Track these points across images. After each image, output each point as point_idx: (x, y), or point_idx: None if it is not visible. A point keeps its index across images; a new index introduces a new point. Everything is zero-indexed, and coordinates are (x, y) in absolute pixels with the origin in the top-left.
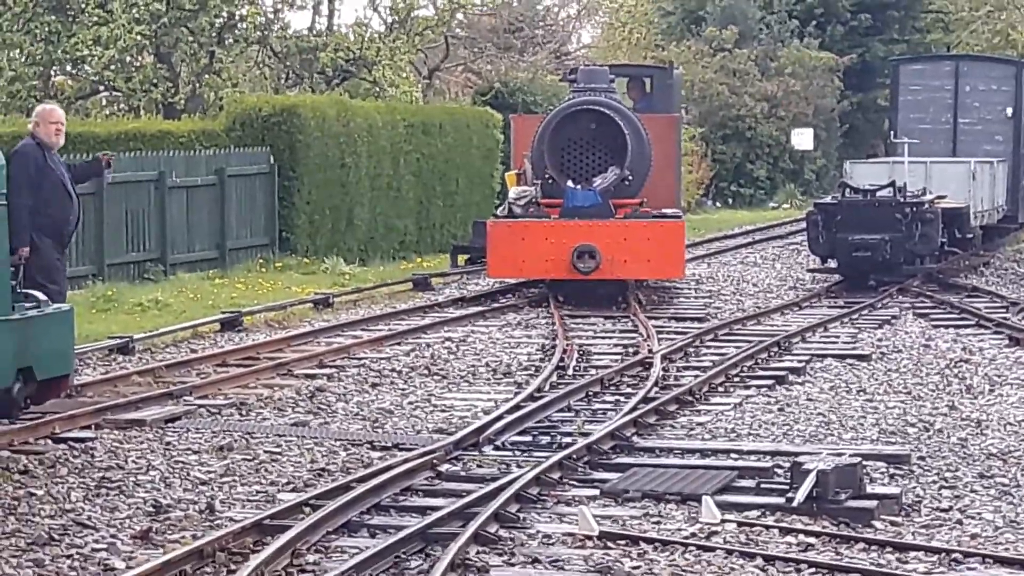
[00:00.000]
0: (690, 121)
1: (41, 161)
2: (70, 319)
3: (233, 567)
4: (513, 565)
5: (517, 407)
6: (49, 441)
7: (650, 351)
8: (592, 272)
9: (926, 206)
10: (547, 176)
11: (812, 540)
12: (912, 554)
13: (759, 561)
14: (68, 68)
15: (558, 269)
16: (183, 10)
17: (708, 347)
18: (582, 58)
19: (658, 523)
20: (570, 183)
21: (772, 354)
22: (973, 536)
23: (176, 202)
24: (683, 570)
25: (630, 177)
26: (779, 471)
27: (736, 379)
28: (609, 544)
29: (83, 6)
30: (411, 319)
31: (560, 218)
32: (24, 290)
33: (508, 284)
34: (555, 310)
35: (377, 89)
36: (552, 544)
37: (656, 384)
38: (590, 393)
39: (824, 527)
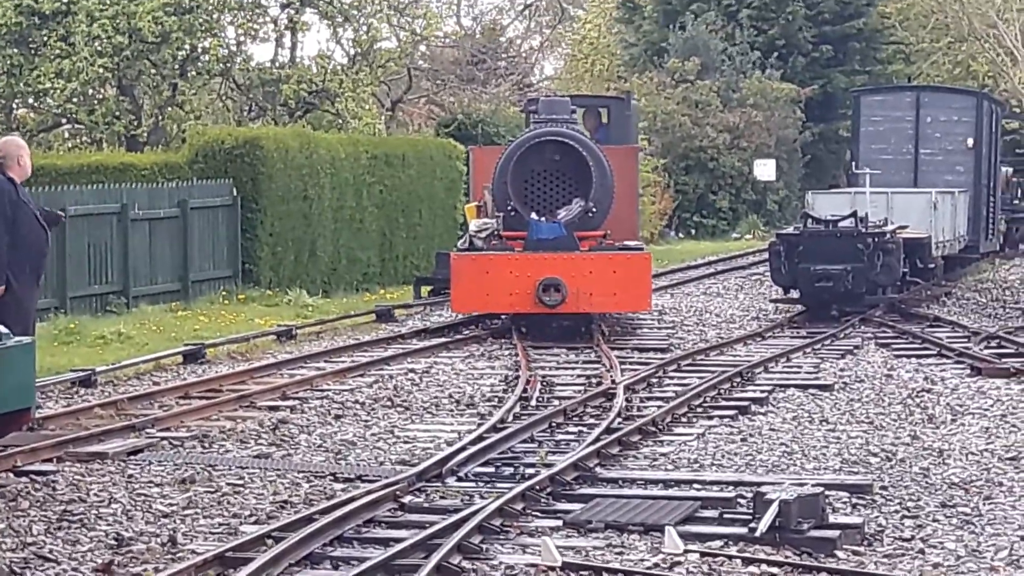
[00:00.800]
0: (653, 152)
1: (14, 196)
2: (32, 351)
3: None
4: None
5: (480, 438)
6: (10, 474)
7: (613, 382)
8: (558, 305)
9: (888, 236)
10: (509, 208)
11: (775, 570)
12: None
13: None
14: (30, 101)
15: (523, 303)
16: (145, 43)
17: (671, 377)
18: (545, 89)
19: (621, 553)
20: (534, 215)
21: (735, 384)
22: (935, 565)
23: (139, 234)
24: None
25: (594, 209)
26: (742, 501)
27: (699, 409)
28: (572, 575)
29: (45, 39)
30: (374, 351)
31: (524, 251)
32: None
33: (471, 316)
34: (518, 341)
35: (340, 121)
36: (515, 575)
37: (619, 415)
38: (553, 424)
39: (787, 557)
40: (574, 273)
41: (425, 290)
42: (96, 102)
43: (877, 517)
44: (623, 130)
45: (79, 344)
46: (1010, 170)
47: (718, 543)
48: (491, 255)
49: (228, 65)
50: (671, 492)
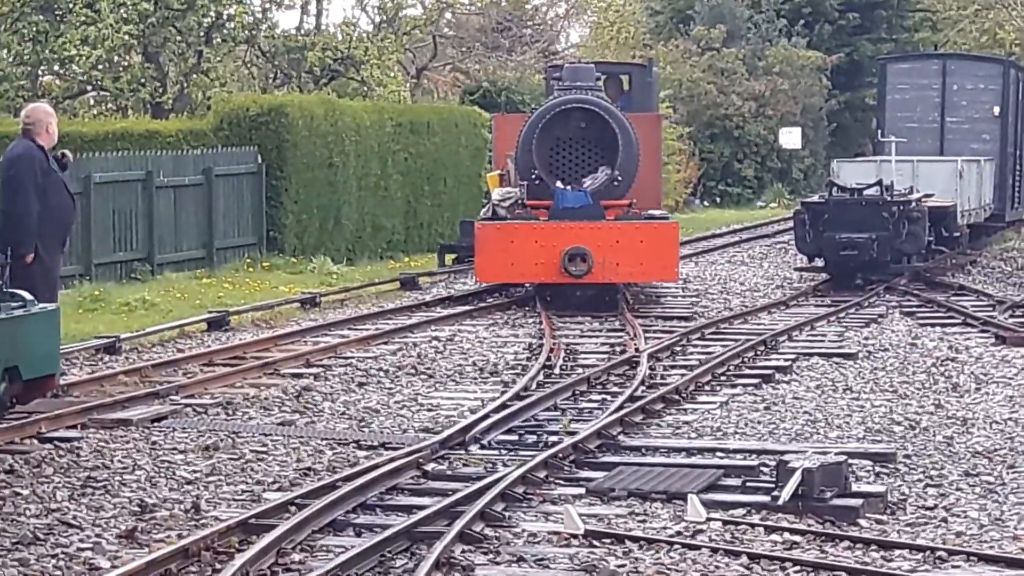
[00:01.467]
0: (678, 120)
1: (45, 164)
2: (56, 318)
3: (218, 566)
4: (498, 564)
5: (503, 406)
6: (35, 440)
7: (637, 350)
8: (584, 276)
9: (913, 205)
10: (534, 177)
11: (797, 538)
12: (897, 552)
13: (744, 559)
14: (56, 68)
15: (548, 273)
16: (171, 9)
17: (695, 346)
18: (570, 57)
19: (643, 521)
20: (559, 184)
21: (758, 353)
22: (958, 534)
23: (164, 202)
24: (668, 568)
25: (619, 177)
26: (765, 470)
27: (722, 378)
28: (594, 543)
29: (71, 6)
30: (398, 318)
31: (550, 220)
32: (10, 290)
33: (495, 284)
34: (542, 309)
35: (365, 88)
36: (538, 543)
37: (643, 383)
38: (576, 392)
39: (809, 525)
40: (600, 243)
41: (449, 258)
42: (121, 69)
43: (900, 486)
44: (645, 98)
45: (104, 311)
46: None
47: (741, 511)
48: (516, 224)
49: (253, 32)
50: (694, 460)
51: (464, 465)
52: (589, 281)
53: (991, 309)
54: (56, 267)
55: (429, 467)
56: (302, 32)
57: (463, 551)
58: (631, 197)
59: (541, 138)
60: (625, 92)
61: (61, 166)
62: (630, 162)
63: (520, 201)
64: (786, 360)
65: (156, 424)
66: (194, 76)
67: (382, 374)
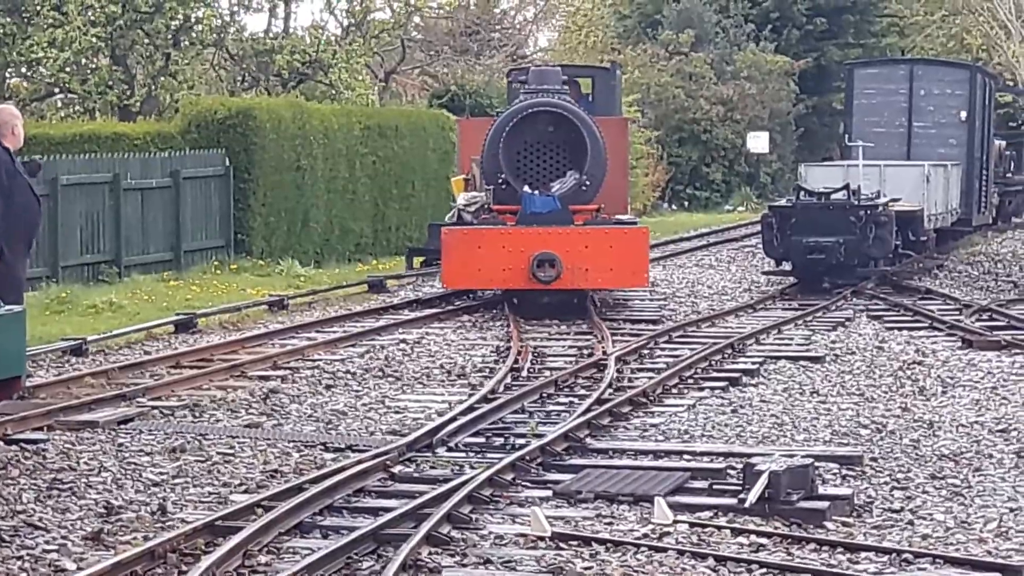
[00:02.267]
0: (646, 124)
1: (11, 165)
2: (22, 320)
3: (184, 568)
4: (465, 566)
5: (471, 408)
6: (1, 442)
7: (604, 353)
8: (553, 282)
9: (880, 209)
10: (500, 181)
11: (764, 541)
12: (863, 554)
13: (711, 561)
14: (23, 70)
15: (516, 279)
16: (139, 12)
17: (662, 349)
18: (537, 61)
19: (610, 524)
20: (527, 188)
21: (726, 356)
22: (924, 537)
23: (131, 204)
24: (635, 570)
25: (587, 182)
26: (732, 472)
27: (690, 381)
28: (561, 545)
29: (38, 8)
30: (366, 321)
31: (518, 225)
32: None
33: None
34: (510, 312)
35: (333, 92)
36: (504, 545)
37: (610, 386)
38: (544, 395)
39: (776, 528)
40: (569, 248)
41: (417, 261)
42: (89, 72)
43: (867, 488)
44: (608, 101)
45: (70, 313)
46: (1003, 143)
47: (708, 514)
48: (483, 229)
49: (221, 35)
50: (661, 463)
51: (431, 467)
52: (558, 287)
53: (958, 313)
54: (22, 269)
55: (396, 469)
56: (270, 35)
57: (430, 553)
58: (599, 202)
59: (508, 142)
60: (588, 95)
61: (30, 171)
62: (598, 166)
63: (486, 206)
64: (753, 363)
65: (123, 426)
66: (162, 79)
67: (349, 376)
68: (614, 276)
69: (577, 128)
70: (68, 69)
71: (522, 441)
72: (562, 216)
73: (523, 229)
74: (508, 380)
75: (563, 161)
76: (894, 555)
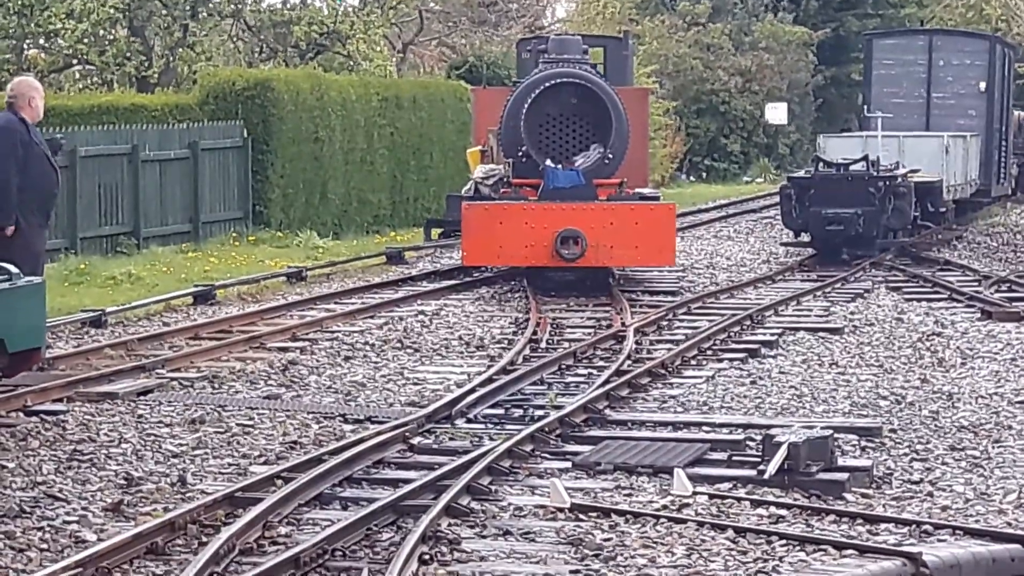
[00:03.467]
0: (664, 95)
1: (26, 137)
2: (42, 292)
3: (204, 539)
4: (484, 537)
5: (490, 380)
6: (21, 414)
7: (623, 324)
8: (577, 259)
9: (899, 180)
10: (521, 154)
11: (783, 512)
12: (883, 526)
13: (730, 533)
14: (41, 42)
15: (539, 256)
16: None
17: (681, 321)
18: (553, 32)
19: (630, 495)
20: (549, 162)
21: (745, 327)
22: (944, 508)
23: (149, 176)
24: (654, 542)
25: (611, 155)
26: (751, 444)
27: (709, 352)
28: (581, 516)
29: None
30: (384, 293)
31: (540, 200)
32: None
33: None
34: (530, 289)
35: (351, 63)
36: (524, 516)
37: (629, 357)
38: (563, 366)
39: (795, 499)
40: (594, 224)
41: (435, 232)
42: (107, 43)
43: (886, 460)
44: (620, 72)
45: (89, 285)
46: (1022, 114)
47: (727, 485)
48: (505, 205)
49: (239, 6)
50: (680, 434)
51: (450, 439)
52: (582, 265)
53: (977, 284)
54: (40, 241)
55: (415, 441)
56: (288, 6)
57: (449, 524)
58: (621, 175)
59: (530, 114)
60: (600, 65)
61: (52, 149)
62: (621, 139)
63: (505, 179)
64: (772, 335)
65: (142, 398)
66: (180, 50)
67: (368, 348)
68: (640, 254)
69: (602, 101)
70: (86, 40)
71: (541, 412)
72: (586, 191)
73: (546, 205)
74: (527, 351)
75: (587, 134)
76: (914, 526)
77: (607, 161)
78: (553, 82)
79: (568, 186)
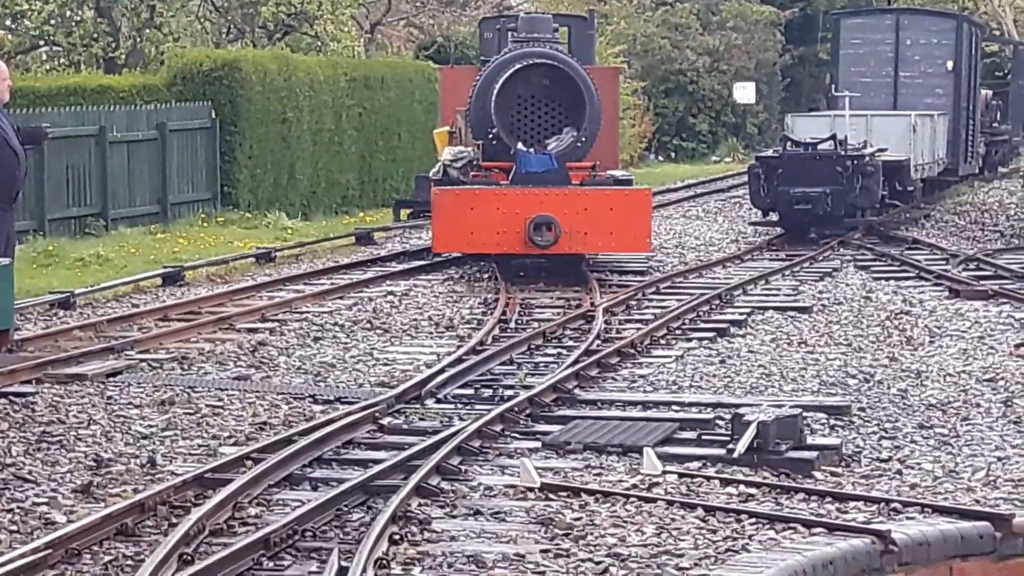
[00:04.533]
0: (632, 75)
1: None
2: (10, 274)
3: (175, 520)
4: (455, 517)
5: (459, 360)
6: None
7: (592, 304)
8: (550, 246)
9: (867, 159)
10: (491, 136)
11: (753, 491)
12: (852, 504)
13: (700, 512)
14: (7, 23)
15: (512, 243)
16: None
17: (650, 300)
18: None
19: (599, 475)
20: (521, 146)
21: (714, 307)
22: (912, 486)
23: (117, 157)
24: (624, 521)
25: (583, 139)
26: (720, 423)
27: (678, 332)
28: (551, 496)
29: None
30: (353, 273)
31: (512, 185)
32: None
33: None
34: (500, 276)
35: (319, 43)
36: (494, 496)
37: (598, 337)
38: (532, 346)
39: (765, 478)
40: (567, 210)
41: (404, 213)
42: (74, 24)
43: (855, 438)
44: (585, 52)
45: (58, 266)
46: (989, 93)
47: (696, 464)
48: (476, 190)
49: None
50: (650, 414)
51: (420, 419)
52: (556, 252)
53: (945, 263)
54: (7, 223)
55: (385, 421)
56: None
57: (419, 504)
58: (592, 158)
59: (501, 96)
60: (565, 45)
61: (36, 138)
62: (594, 122)
63: (475, 162)
64: (741, 314)
65: (111, 379)
66: (147, 31)
67: (337, 329)
68: (615, 240)
69: (575, 82)
70: (53, 21)
71: (511, 392)
72: (559, 176)
73: (519, 190)
74: (496, 332)
75: (559, 117)
76: (883, 504)
77: (579, 144)
78: (525, 63)
79: (541, 170)
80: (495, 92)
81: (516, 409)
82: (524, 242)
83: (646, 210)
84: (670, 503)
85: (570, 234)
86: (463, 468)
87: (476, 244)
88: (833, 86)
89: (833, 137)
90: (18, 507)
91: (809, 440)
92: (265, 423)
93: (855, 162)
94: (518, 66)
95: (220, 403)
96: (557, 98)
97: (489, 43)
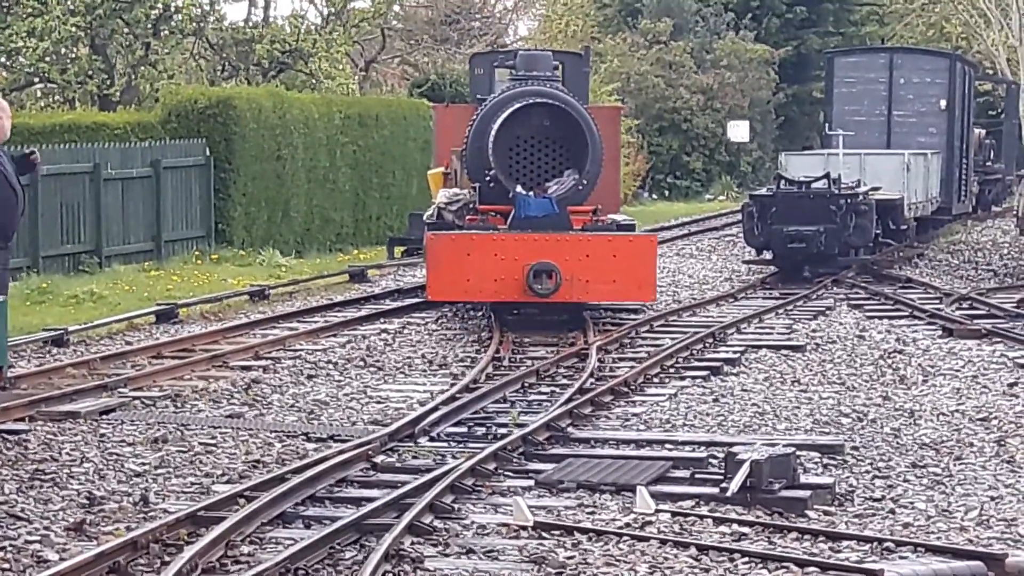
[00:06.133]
0: (626, 113)
1: None
2: (3, 311)
3: (167, 558)
4: (448, 555)
5: (453, 398)
6: None
7: (586, 342)
8: (551, 295)
9: (860, 198)
10: (488, 179)
11: (746, 530)
12: (845, 543)
13: (692, 551)
14: (2, 60)
15: (510, 291)
16: (118, 1)
17: (644, 338)
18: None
19: (592, 513)
20: (520, 188)
21: (707, 345)
22: (905, 525)
23: (111, 194)
24: (617, 560)
25: (584, 182)
26: (713, 461)
27: (671, 370)
28: (544, 534)
29: None
30: (347, 311)
31: (511, 230)
32: None
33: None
34: (497, 324)
35: (313, 81)
36: (487, 534)
37: (592, 375)
38: (526, 384)
39: (758, 517)
40: (568, 257)
41: (398, 250)
42: (69, 61)
43: (848, 477)
44: (580, 89)
45: (51, 303)
46: (983, 132)
47: (689, 503)
48: (473, 235)
49: (201, 24)
50: (643, 452)
51: (413, 457)
52: (556, 300)
53: (938, 302)
54: (2, 260)
55: (378, 459)
56: (250, 24)
57: (412, 543)
58: (594, 201)
59: (499, 136)
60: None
61: (28, 166)
62: (596, 164)
63: (471, 205)
64: (735, 352)
65: (104, 417)
66: (142, 68)
67: (331, 366)
68: (617, 289)
69: (576, 123)
70: (48, 58)
71: (504, 431)
72: (560, 221)
73: (518, 235)
74: (490, 370)
75: (560, 159)
76: (875, 543)
77: (580, 187)
78: (524, 102)
79: (540, 215)
80: (493, 132)
81: (510, 447)
82: (523, 290)
83: (651, 257)
84: (663, 542)
85: (571, 282)
86: (456, 506)
87: (473, 292)
88: (827, 125)
89: (827, 176)
90: (11, 545)
91: (802, 479)
92: (258, 461)
93: (849, 201)
94: (517, 105)
95: (213, 441)
96: (558, 139)
97: (480, 79)
